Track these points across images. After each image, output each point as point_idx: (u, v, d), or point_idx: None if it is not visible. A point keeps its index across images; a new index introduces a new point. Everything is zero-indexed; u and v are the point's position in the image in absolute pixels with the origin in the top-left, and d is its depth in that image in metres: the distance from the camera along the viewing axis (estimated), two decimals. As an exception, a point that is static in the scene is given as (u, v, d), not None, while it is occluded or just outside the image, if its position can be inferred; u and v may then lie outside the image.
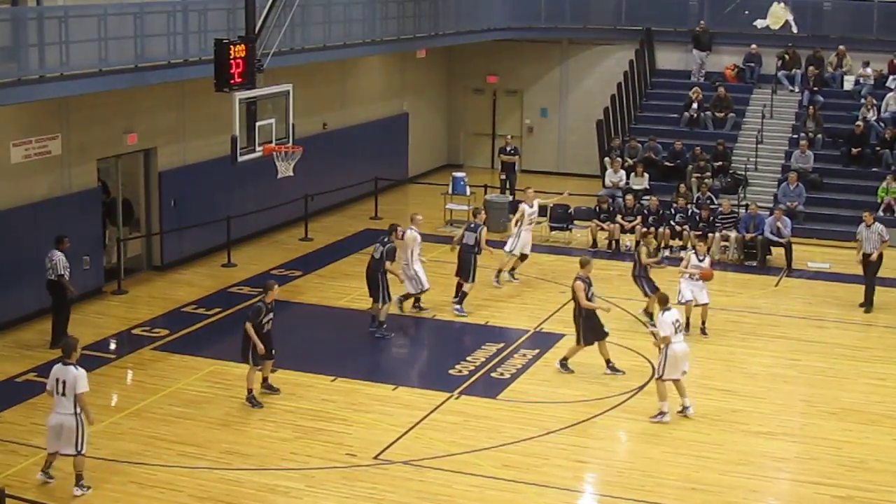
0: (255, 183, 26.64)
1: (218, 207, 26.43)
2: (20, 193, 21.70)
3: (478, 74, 39.27)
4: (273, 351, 18.41)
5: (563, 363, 19.84)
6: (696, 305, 21.85)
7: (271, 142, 21.81)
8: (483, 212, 25.08)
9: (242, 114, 20.97)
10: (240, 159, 21.14)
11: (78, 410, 14.89)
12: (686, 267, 21.89)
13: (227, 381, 19.28)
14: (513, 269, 25.55)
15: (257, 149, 21.48)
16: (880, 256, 24.05)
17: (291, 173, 22.45)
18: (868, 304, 24.10)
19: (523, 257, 25.60)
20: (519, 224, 25.29)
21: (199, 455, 16.42)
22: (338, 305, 23.63)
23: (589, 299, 19.55)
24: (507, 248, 25.35)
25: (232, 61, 20.60)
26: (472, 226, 23.40)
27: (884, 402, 19.09)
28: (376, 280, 21.67)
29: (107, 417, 17.63)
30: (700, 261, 21.83)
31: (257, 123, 21.34)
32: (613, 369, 19.74)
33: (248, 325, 18.04)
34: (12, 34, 19.33)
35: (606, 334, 19.84)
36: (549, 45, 38.13)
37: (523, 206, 25.59)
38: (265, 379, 18.69)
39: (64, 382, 14.83)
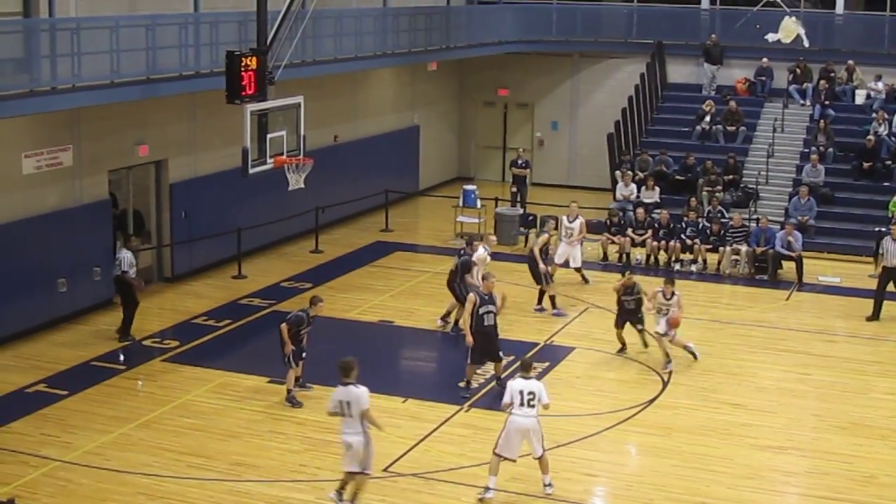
0: (265, 195, 26.67)
1: (229, 219, 26.47)
2: (31, 205, 21.75)
3: (489, 87, 39.33)
4: (304, 354, 18.84)
5: (466, 384, 19.58)
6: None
7: (282, 154, 21.87)
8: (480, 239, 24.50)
9: (254, 126, 21.03)
10: (251, 171, 21.19)
11: (365, 429, 14.73)
12: (653, 302, 20.99)
13: (237, 393, 19.30)
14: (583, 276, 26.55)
15: (268, 161, 21.53)
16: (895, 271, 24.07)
17: (302, 185, 22.50)
18: (866, 316, 24.14)
19: (578, 270, 26.31)
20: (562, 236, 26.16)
21: (208, 467, 16.42)
22: (348, 318, 23.63)
23: (479, 318, 19.13)
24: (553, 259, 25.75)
25: (243, 73, 20.68)
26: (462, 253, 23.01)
27: (894, 416, 19.04)
28: (453, 289, 22.52)
29: (116, 428, 17.66)
30: (667, 300, 20.78)
31: (268, 135, 21.41)
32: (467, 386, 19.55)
33: (284, 327, 18.49)
34: (24, 45, 19.40)
35: (482, 364, 19.65)
36: (561, 58, 38.17)
37: (562, 219, 26.20)
38: (297, 378, 18.97)
39: (349, 403, 14.63)
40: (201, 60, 22.95)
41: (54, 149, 22.04)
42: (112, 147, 23.61)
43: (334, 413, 14.87)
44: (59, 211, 22.41)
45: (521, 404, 15.34)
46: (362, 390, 14.75)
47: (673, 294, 20.85)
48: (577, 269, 26.31)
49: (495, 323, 19.30)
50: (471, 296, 19.58)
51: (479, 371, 19.74)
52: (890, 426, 18.59)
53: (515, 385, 15.47)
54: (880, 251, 24.43)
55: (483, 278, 20.03)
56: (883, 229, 28.62)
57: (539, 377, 20.03)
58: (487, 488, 15.49)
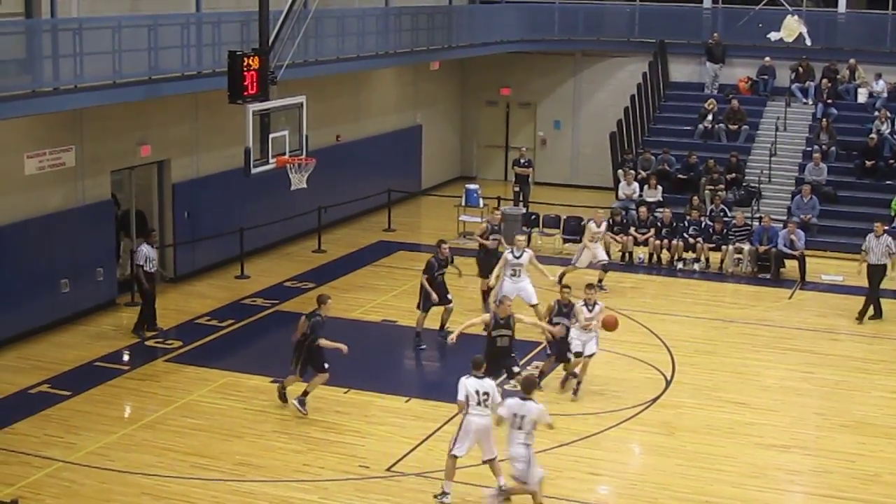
0: (268, 195, 26.66)
1: (231, 219, 26.47)
2: (34, 205, 21.75)
3: (491, 87, 39.31)
4: (326, 365, 18.40)
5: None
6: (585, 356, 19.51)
7: (285, 154, 21.88)
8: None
9: (256, 126, 21.02)
10: (253, 171, 21.19)
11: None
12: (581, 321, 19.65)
13: (241, 393, 19.29)
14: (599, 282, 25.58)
15: (271, 161, 21.53)
16: (885, 268, 24.03)
17: (305, 185, 22.50)
18: (869, 315, 24.04)
19: (605, 269, 25.99)
20: (586, 240, 25.92)
21: (212, 467, 16.41)
22: (351, 317, 23.61)
23: (492, 340, 18.26)
24: (572, 261, 25.94)
25: (246, 73, 20.67)
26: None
27: (898, 415, 19.06)
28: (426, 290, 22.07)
29: (120, 429, 17.67)
30: (590, 310, 19.38)
31: (271, 135, 21.40)
32: None
33: (323, 341, 18.06)
34: (26, 46, 19.39)
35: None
36: (563, 57, 38.14)
37: (590, 224, 26.05)
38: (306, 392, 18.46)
39: (523, 417, 14.55)
40: (203, 60, 22.94)
41: (57, 149, 22.04)
42: (114, 147, 23.61)
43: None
44: (62, 211, 22.41)
45: (478, 404, 15.13)
46: (540, 407, 14.72)
47: (595, 304, 19.59)
48: (604, 267, 25.94)
49: (510, 345, 18.27)
50: (485, 316, 18.76)
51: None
52: (894, 424, 18.57)
53: (470, 384, 15.17)
54: (863, 248, 24.30)
55: (500, 302, 18.89)
56: (886, 228, 28.68)
57: (542, 376, 20.10)
58: (444, 493, 15.34)
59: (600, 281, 25.43)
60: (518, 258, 22.26)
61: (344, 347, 17.95)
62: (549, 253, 28.67)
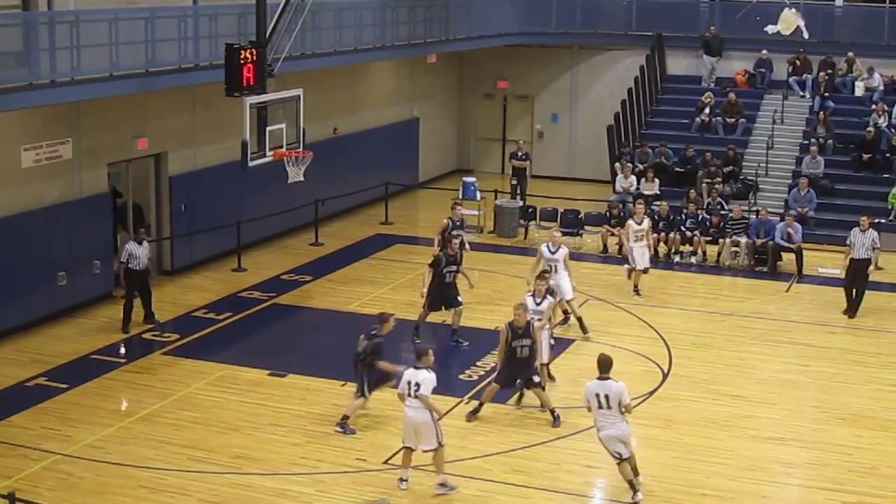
0: (265, 187, 26.66)
1: (228, 212, 26.46)
2: (31, 198, 21.74)
3: (488, 79, 39.29)
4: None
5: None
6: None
7: (282, 146, 21.87)
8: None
9: (253, 118, 21.02)
10: (250, 164, 21.19)
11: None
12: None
13: (238, 386, 19.29)
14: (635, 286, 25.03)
15: (268, 153, 21.53)
16: (868, 263, 23.79)
17: (302, 178, 22.50)
18: (853, 311, 23.89)
19: (645, 271, 25.01)
20: (628, 240, 25.00)
21: (209, 460, 16.42)
22: (348, 310, 23.62)
23: (511, 350, 17.67)
24: (630, 265, 25.01)
25: (243, 66, 20.66)
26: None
27: (894, 407, 19.03)
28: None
29: (117, 422, 17.67)
30: (537, 304, 18.57)
31: (268, 128, 21.40)
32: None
33: (384, 364, 17.42)
34: (23, 38, 19.35)
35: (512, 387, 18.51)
36: (560, 50, 38.14)
37: (629, 222, 25.12)
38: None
39: (607, 396, 14.97)
40: (200, 53, 22.91)
41: (53, 142, 22.02)
42: (111, 140, 23.58)
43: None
44: (59, 204, 22.39)
45: (409, 394, 15.23)
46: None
47: (545, 297, 18.81)
48: (644, 271, 24.98)
49: (532, 353, 17.69)
50: (502, 329, 17.80)
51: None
52: (891, 417, 18.58)
53: (407, 374, 15.38)
54: (847, 242, 24.06)
55: (515, 309, 17.81)
56: (883, 221, 28.74)
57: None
58: (402, 479, 15.51)
59: (636, 286, 24.92)
60: (554, 253, 21.67)
61: (401, 370, 16.18)
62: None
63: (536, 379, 17.86)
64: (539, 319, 18.34)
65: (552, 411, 17.89)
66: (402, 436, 15.61)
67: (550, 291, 19.25)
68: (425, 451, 15.41)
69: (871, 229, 23.90)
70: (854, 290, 23.97)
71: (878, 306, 24.49)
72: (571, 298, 22.02)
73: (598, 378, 15.16)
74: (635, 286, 24.94)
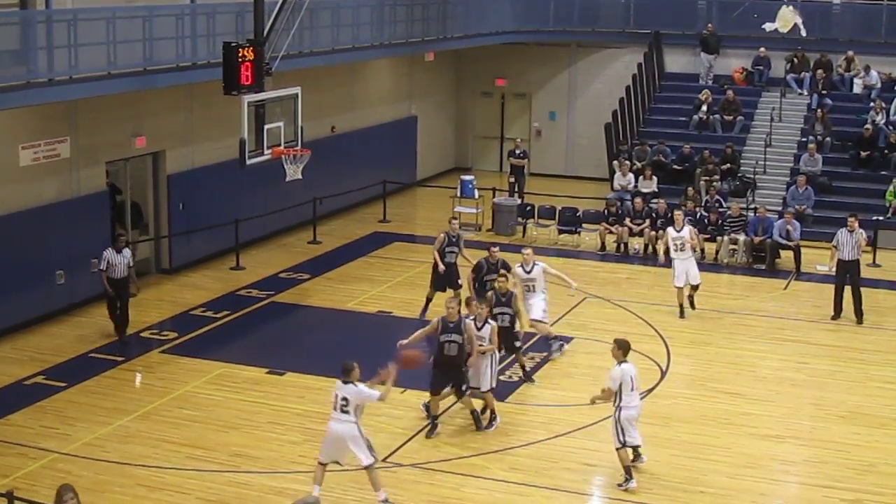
0: (263, 186, 26.66)
1: (226, 210, 26.45)
2: (29, 196, 21.73)
3: (486, 78, 39.29)
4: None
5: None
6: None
7: (280, 145, 21.86)
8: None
9: (251, 117, 21.01)
10: (248, 162, 21.18)
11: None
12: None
13: (236, 385, 19.29)
14: (690, 297, 23.56)
15: (266, 152, 21.53)
16: (858, 264, 23.42)
17: (300, 176, 22.48)
18: (858, 316, 23.47)
19: (695, 287, 23.43)
20: (666, 252, 23.91)
21: (207, 458, 16.42)
22: (346, 308, 23.63)
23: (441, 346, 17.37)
24: (675, 282, 23.29)
25: (240, 64, 20.65)
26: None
27: (893, 405, 19.04)
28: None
29: (115, 420, 17.66)
30: (479, 329, 17.60)
31: (266, 126, 21.39)
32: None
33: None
34: (21, 37, 19.36)
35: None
36: (558, 48, 38.14)
37: (669, 231, 23.85)
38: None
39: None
40: (198, 51, 22.92)
41: (51, 140, 22.01)
42: (109, 138, 23.57)
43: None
44: (57, 203, 22.38)
45: (335, 408, 14.71)
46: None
47: (486, 322, 17.77)
48: (695, 287, 23.39)
49: (461, 353, 17.19)
50: (434, 321, 17.64)
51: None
52: (889, 415, 18.59)
53: (336, 388, 14.77)
54: (833, 244, 23.54)
55: (447, 303, 17.59)
56: (881, 218, 28.75)
57: (537, 368, 20.15)
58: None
59: (691, 298, 23.49)
60: (529, 273, 20.56)
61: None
62: (544, 244, 28.73)
63: (464, 388, 17.35)
64: (482, 344, 17.53)
65: (492, 411, 17.69)
66: (320, 450, 15.00)
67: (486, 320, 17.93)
68: (362, 468, 14.82)
69: (859, 229, 23.41)
70: (852, 293, 23.47)
71: (875, 304, 24.49)
72: (538, 319, 20.70)
73: (626, 361, 15.58)
74: (690, 300, 23.48)
